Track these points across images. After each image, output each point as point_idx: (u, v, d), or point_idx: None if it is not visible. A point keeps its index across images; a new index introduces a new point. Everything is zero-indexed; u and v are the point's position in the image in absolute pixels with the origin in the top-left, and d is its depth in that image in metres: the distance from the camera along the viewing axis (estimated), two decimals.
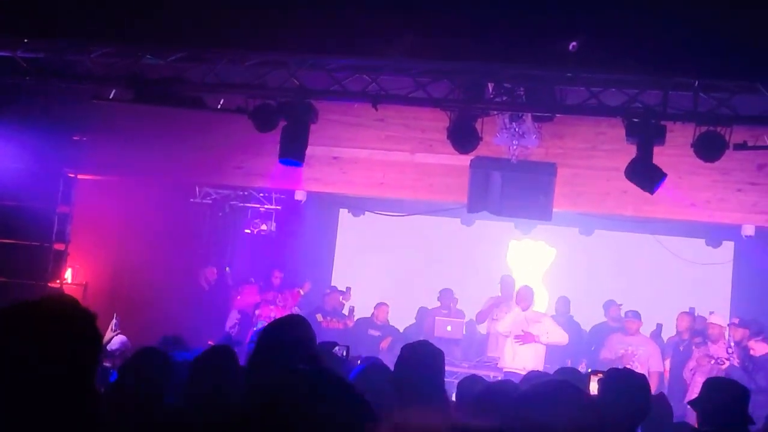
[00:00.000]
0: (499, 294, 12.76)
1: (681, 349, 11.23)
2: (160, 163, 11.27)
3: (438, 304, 13.01)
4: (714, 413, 4.89)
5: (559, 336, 11.26)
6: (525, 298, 11.46)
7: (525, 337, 11.06)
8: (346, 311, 12.67)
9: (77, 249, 12.00)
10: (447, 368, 5.15)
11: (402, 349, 4.70)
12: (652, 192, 8.92)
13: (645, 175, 8.78)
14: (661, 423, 5.93)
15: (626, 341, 11.23)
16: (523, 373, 9.70)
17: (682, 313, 11.57)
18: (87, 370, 2.27)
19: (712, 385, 5.21)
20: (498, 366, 11.28)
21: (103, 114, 10.51)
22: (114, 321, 9.92)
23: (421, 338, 11.65)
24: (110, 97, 9.49)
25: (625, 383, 4.65)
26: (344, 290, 12.89)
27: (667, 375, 11.26)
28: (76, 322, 2.27)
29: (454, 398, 6.00)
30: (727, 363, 10.08)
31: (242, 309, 11.82)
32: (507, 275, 13.03)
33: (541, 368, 10.59)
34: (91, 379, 2.28)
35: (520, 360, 10.81)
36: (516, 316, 11.31)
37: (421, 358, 4.55)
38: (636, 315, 11.37)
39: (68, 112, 10.71)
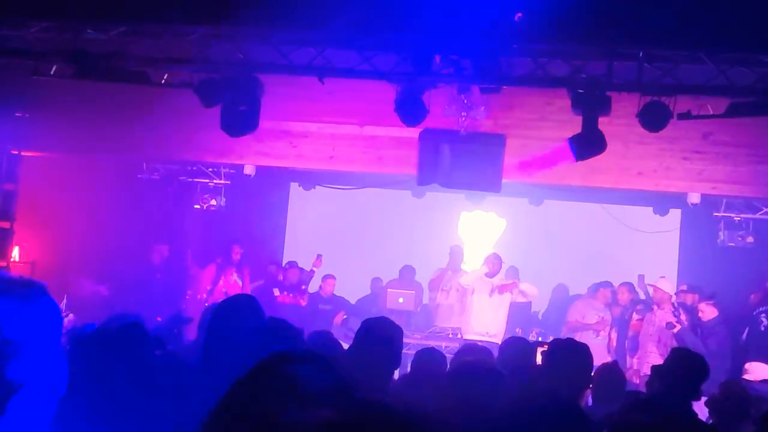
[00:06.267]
0: (446, 264, 12.87)
1: (626, 317, 11.41)
2: (105, 138, 11.10)
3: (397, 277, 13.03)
4: (674, 383, 4.97)
5: (530, 289, 11.65)
6: (491, 265, 11.57)
7: (502, 287, 11.30)
8: (318, 279, 12.56)
9: (24, 227, 11.81)
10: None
11: (363, 323, 4.68)
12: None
13: (591, 144, 8.82)
14: (614, 391, 6.04)
15: (599, 308, 11.44)
16: (488, 339, 9.93)
17: (621, 285, 11.81)
18: None
19: (677, 355, 5.28)
20: (460, 337, 11.27)
21: (45, 90, 10.29)
22: (64, 302, 9.76)
23: (374, 309, 11.82)
24: (51, 72, 9.28)
25: (567, 353, 4.72)
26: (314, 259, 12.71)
27: (613, 344, 11.46)
28: None
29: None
30: (679, 327, 10.18)
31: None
32: (456, 245, 13.10)
33: (503, 333, 10.73)
34: None
35: (481, 325, 10.92)
36: (483, 276, 11.43)
37: (381, 336, 4.52)
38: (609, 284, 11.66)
39: (9, 89, 10.47)
